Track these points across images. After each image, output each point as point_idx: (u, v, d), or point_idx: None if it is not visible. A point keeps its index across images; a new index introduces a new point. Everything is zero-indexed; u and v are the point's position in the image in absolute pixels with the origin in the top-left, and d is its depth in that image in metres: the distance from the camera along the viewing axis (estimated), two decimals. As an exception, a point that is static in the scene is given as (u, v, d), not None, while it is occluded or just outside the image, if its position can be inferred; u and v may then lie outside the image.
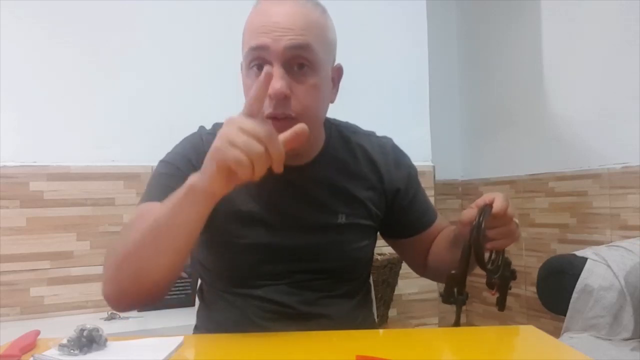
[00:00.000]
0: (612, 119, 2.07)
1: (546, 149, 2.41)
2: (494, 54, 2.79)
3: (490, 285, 0.85)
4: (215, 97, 1.98)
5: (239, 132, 0.66)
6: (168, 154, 0.95)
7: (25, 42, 1.84)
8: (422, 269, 1.07)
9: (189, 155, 0.91)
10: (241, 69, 0.89)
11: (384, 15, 2.33)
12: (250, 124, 0.66)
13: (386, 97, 2.31)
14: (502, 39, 2.72)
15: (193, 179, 0.72)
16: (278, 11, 0.82)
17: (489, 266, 0.84)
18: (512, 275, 0.87)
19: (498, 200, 0.82)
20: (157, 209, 0.75)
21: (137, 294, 0.78)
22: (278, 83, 0.79)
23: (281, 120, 0.81)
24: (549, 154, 2.39)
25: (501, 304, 0.87)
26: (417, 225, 1.03)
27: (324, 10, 0.88)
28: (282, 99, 0.80)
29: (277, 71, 0.80)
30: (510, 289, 0.87)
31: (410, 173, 1.03)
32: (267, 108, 0.80)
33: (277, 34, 0.80)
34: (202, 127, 0.99)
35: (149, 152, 1.88)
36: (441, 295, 0.84)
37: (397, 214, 1.02)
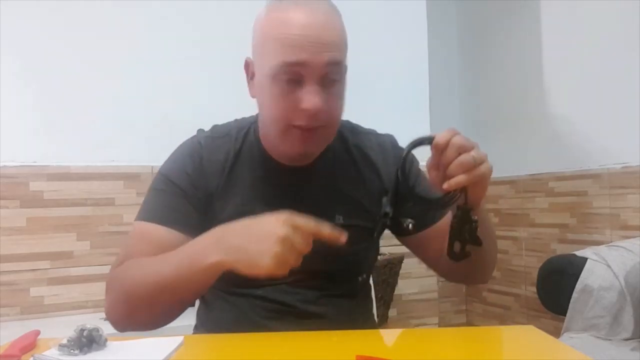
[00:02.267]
0: (612, 119, 2.07)
1: (546, 149, 2.41)
2: (493, 54, 2.79)
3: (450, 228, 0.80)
4: (215, 97, 1.99)
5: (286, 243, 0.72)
6: (165, 163, 0.94)
7: (25, 42, 1.84)
8: (439, 267, 1.03)
9: (186, 167, 0.91)
10: (246, 68, 0.90)
11: (384, 15, 2.33)
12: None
13: (386, 97, 2.31)
14: (502, 39, 2.72)
15: (207, 252, 0.75)
16: (312, 22, 0.80)
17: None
18: (467, 218, 0.77)
19: (443, 132, 0.76)
20: (162, 264, 0.79)
21: (146, 324, 0.84)
22: (316, 99, 0.80)
23: (311, 130, 0.83)
24: (549, 154, 2.39)
25: (450, 252, 0.79)
26: (425, 219, 0.99)
27: (338, 11, 0.87)
28: (316, 113, 0.81)
29: (314, 88, 0.80)
30: (476, 242, 0.78)
31: (410, 169, 1.01)
32: (299, 120, 0.82)
33: (315, 50, 0.79)
34: (200, 130, 0.99)
35: (149, 152, 1.89)
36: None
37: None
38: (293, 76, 0.81)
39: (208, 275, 0.76)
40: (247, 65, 0.91)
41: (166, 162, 0.95)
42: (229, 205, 0.90)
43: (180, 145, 0.97)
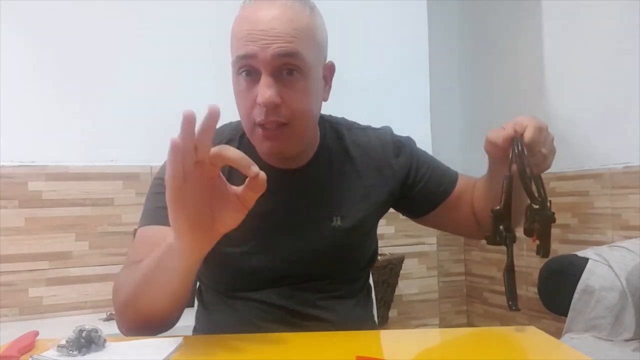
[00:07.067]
0: (613, 118, 2.06)
1: (547, 149, 2.40)
2: (494, 53, 2.78)
3: (529, 231, 0.74)
4: (214, 98, 1.97)
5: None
6: (162, 168, 0.93)
7: (24, 42, 1.84)
8: (476, 230, 1.00)
9: None
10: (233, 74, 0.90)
11: (384, 15, 2.33)
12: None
13: (387, 97, 2.31)
14: (502, 39, 2.72)
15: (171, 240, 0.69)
16: (265, 17, 0.79)
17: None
18: (553, 214, 0.75)
19: (529, 130, 0.79)
20: (147, 262, 0.75)
21: (145, 330, 0.79)
22: (267, 92, 0.78)
23: (273, 127, 0.81)
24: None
25: (545, 250, 0.74)
26: (441, 190, 0.98)
27: (312, 8, 0.85)
28: (272, 107, 0.79)
29: (266, 80, 0.79)
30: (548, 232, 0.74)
31: (411, 154, 0.99)
32: (258, 116, 0.80)
33: (264, 42, 0.78)
34: None
35: (147, 152, 1.89)
36: (486, 237, 0.77)
37: (415, 195, 0.98)
38: (247, 69, 0.81)
39: (177, 259, 0.70)
40: None
41: (162, 167, 0.94)
42: None
43: None
